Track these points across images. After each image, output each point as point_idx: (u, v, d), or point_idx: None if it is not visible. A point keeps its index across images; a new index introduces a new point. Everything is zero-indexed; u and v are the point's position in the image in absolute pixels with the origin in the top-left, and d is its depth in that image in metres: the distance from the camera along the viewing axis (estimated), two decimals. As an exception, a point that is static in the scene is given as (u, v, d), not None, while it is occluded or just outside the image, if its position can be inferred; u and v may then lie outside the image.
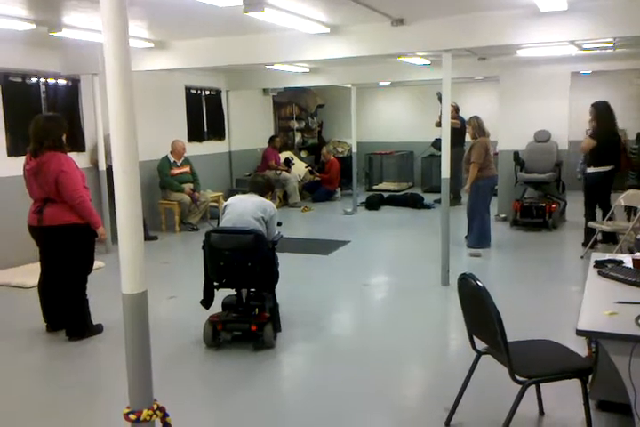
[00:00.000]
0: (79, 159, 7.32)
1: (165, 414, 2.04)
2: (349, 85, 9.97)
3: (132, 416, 1.94)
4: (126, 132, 1.83)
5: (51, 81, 6.98)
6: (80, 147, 7.37)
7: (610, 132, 6.66)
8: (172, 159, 8.47)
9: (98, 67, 6.64)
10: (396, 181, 12.60)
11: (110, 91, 1.83)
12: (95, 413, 3.37)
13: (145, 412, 1.94)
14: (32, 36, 5.90)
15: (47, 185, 4.15)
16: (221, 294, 4.38)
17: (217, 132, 10.34)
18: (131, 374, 1.94)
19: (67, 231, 4.21)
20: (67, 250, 4.28)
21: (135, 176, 1.81)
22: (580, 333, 2.34)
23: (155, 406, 1.98)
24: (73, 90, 7.27)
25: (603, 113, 6.64)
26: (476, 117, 7.13)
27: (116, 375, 3.48)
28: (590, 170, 6.72)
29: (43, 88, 6.89)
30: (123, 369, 1.97)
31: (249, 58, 6.34)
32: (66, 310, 4.41)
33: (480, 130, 7.02)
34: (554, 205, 7.98)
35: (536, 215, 7.99)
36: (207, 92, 10.06)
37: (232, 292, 4.35)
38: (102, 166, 7.09)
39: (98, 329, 4.50)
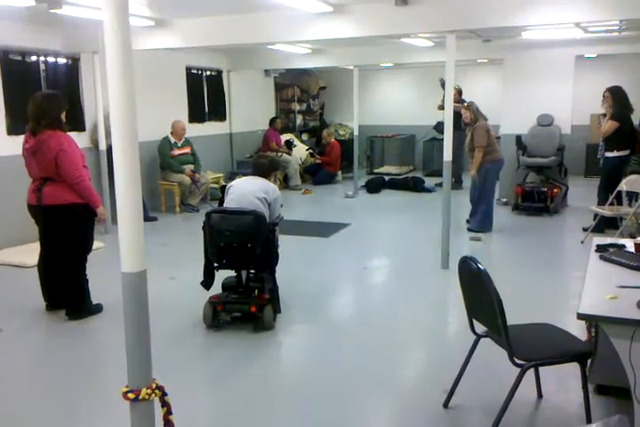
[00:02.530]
0: (79, 139, 7.25)
1: (164, 393, 2.04)
2: (352, 67, 9.87)
3: (131, 395, 1.94)
4: (126, 111, 1.79)
5: (50, 59, 6.90)
6: (80, 126, 7.32)
7: (628, 116, 6.63)
8: (172, 140, 8.42)
9: (98, 45, 6.56)
10: (398, 164, 12.55)
11: (110, 69, 1.80)
12: (94, 392, 3.38)
13: (144, 391, 1.94)
14: (32, 13, 5.81)
15: (46, 164, 4.12)
16: (221, 276, 4.38)
17: (218, 113, 10.27)
18: (130, 353, 1.93)
19: (66, 211, 4.19)
20: (66, 229, 4.27)
21: (135, 152, 1.79)
22: (580, 316, 2.33)
23: (154, 385, 1.97)
24: (73, 68, 7.20)
25: (620, 96, 6.59)
26: (472, 103, 7.11)
27: (115, 355, 3.48)
28: (611, 154, 6.68)
29: (42, 66, 6.81)
30: (122, 348, 1.97)
31: (251, 37, 6.25)
32: (65, 290, 4.41)
33: (478, 114, 6.97)
34: (556, 190, 7.95)
35: (538, 200, 7.97)
36: (208, 73, 9.97)
37: (232, 273, 4.35)
38: (102, 146, 7.05)
39: (97, 309, 4.50)
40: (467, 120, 7.04)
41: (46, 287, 4.51)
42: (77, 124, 7.26)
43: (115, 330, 3.61)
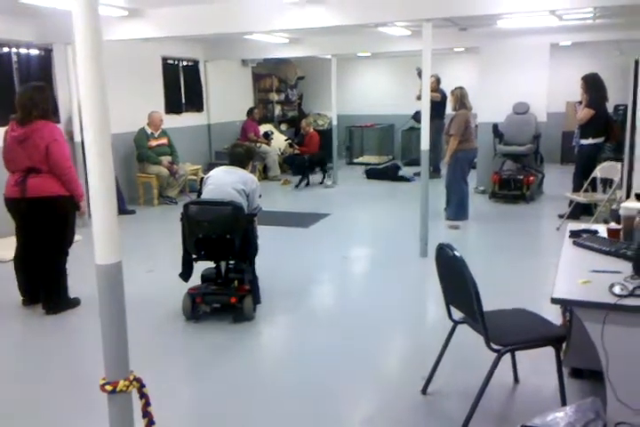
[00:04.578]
0: (53, 131, 7.20)
1: (142, 385, 2.03)
2: (329, 56, 9.84)
3: (108, 387, 1.93)
4: (97, 102, 1.78)
5: (23, 51, 6.78)
6: (54, 118, 7.20)
7: (603, 103, 6.70)
8: (149, 131, 8.34)
9: (71, 36, 6.46)
10: (377, 154, 12.57)
11: (80, 60, 1.78)
12: (73, 385, 3.36)
13: (121, 382, 1.93)
14: (3, 3, 5.70)
15: (36, 153, 4.09)
16: (200, 267, 4.37)
17: (195, 103, 10.18)
18: (106, 345, 1.92)
19: (51, 203, 4.17)
20: (50, 222, 4.22)
21: (107, 142, 1.78)
22: (554, 301, 2.37)
23: (131, 377, 1.96)
24: (46, 59, 7.09)
25: (594, 84, 6.65)
26: (460, 88, 7.09)
27: (93, 347, 3.47)
28: (586, 141, 6.75)
29: (15, 58, 6.70)
30: (100, 341, 1.96)
31: (226, 27, 6.19)
32: (44, 284, 4.37)
33: (461, 103, 6.99)
34: (532, 178, 8.04)
35: (514, 188, 8.05)
36: (184, 63, 9.87)
37: (211, 264, 4.34)
38: (77, 138, 6.97)
39: (75, 302, 4.47)
40: (452, 105, 7.07)
41: (24, 281, 4.46)
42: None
43: (92, 323, 3.60)
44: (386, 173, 10.37)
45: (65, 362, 3.66)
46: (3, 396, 3.25)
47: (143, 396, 2.06)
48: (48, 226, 4.23)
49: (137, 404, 2.05)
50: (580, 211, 6.66)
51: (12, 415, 3.05)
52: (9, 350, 3.89)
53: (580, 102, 6.86)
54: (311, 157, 10.02)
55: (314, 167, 10.11)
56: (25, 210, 4.22)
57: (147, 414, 2.10)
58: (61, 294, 4.41)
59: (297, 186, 9.69)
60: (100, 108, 1.78)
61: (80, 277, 4.55)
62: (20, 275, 4.47)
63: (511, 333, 2.80)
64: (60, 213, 4.25)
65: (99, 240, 1.84)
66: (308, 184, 9.90)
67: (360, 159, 12.43)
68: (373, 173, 10.54)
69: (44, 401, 3.19)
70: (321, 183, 9.97)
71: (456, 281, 2.78)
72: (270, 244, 5.27)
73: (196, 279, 4.32)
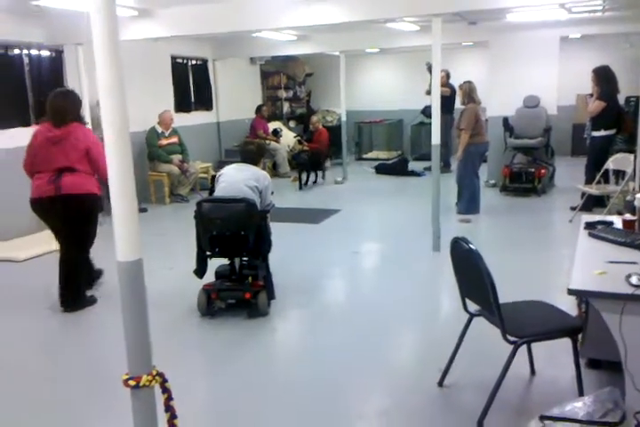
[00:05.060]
0: (65, 131, 7.25)
1: (164, 380, 2.05)
2: (338, 53, 9.84)
3: (132, 382, 1.95)
4: (117, 100, 1.79)
5: (34, 52, 6.83)
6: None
7: (615, 96, 6.68)
8: (159, 130, 8.39)
9: (82, 36, 6.50)
10: (386, 149, 12.56)
11: (99, 60, 1.79)
12: (96, 380, 3.40)
13: (144, 377, 1.95)
14: (13, 5, 5.75)
15: (74, 153, 4.23)
16: (214, 264, 4.40)
17: (204, 102, 10.22)
18: (129, 341, 1.94)
19: (87, 201, 4.30)
20: (85, 219, 4.35)
21: (126, 140, 1.80)
22: (571, 292, 2.37)
23: (154, 372, 1.99)
24: (57, 60, 7.13)
25: (606, 76, 6.63)
26: (469, 82, 7.09)
27: (112, 344, 3.52)
28: (598, 133, 6.73)
29: (26, 59, 6.74)
30: (119, 337, 1.98)
31: (235, 25, 6.22)
32: (65, 281, 4.42)
33: (469, 97, 6.98)
34: (543, 171, 8.01)
35: (525, 181, 8.03)
36: (193, 62, 9.91)
37: (225, 261, 4.37)
38: (90, 138, 6.99)
39: (92, 300, 4.52)
40: (461, 99, 7.07)
41: (67, 287, 4.43)
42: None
43: (110, 320, 3.67)
44: (395, 169, 10.36)
45: (86, 359, 3.71)
46: (27, 394, 3.30)
47: (165, 390, 2.08)
48: (83, 223, 4.36)
49: (158, 397, 2.08)
50: (593, 203, 6.63)
51: (36, 413, 3.09)
52: (30, 348, 3.93)
53: (592, 95, 6.83)
54: (312, 156, 9.84)
55: (315, 166, 9.84)
56: (59, 207, 4.28)
57: (169, 408, 2.12)
58: (81, 291, 4.47)
59: (300, 188, 9.38)
60: (120, 108, 1.80)
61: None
62: (62, 278, 4.44)
63: (527, 324, 2.81)
64: (91, 211, 4.38)
65: (120, 238, 1.86)
66: (315, 182, 9.78)
67: (369, 155, 12.42)
68: (383, 169, 10.54)
69: (67, 397, 3.24)
70: (314, 182, 9.71)
71: (471, 274, 2.79)
72: (282, 240, 5.28)
73: (210, 276, 4.36)
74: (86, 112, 6.96)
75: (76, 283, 4.43)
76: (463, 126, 6.85)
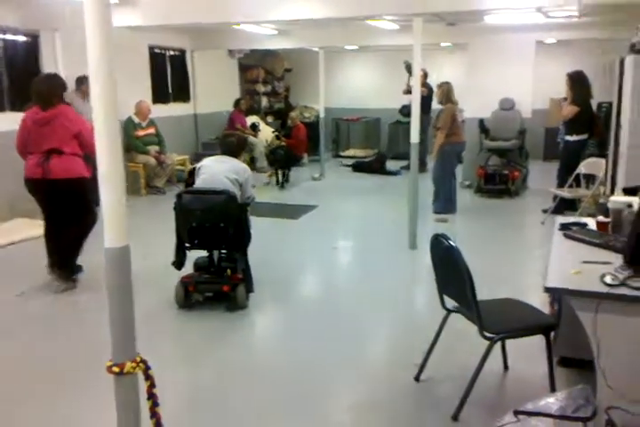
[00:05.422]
0: (40, 118, 7.13)
1: (147, 367, 2.06)
2: (317, 49, 9.84)
3: (116, 369, 1.95)
4: (106, 86, 1.80)
5: (9, 37, 6.68)
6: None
7: (588, 100, 6.82)
8: (136, 120, 8.29)
9: (59, 22, 6.41)
10: (363, 147, 12.61)
11: (91, 47, 1.78)
12: (79, 367, 3.39)
13: (128, 364, 1.95)
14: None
15: (65, 134, 4.33)
16: (193, 256, 4.39)
17: (182, 93, 10.14)
18: (114, 327, 1.94)
19: (77, 185, 4.38)
20: (77, 202, 4.43)
21: (115, 127, 1.80)
22: (548, 290, 2.44)
23: (138, 359, 1.99)
24: (32, 46, 6.99)
25: (580, 81, 6.76)
26: (447, 83, 7.18)
27: (94, 329, 3.52)
28: (571, 138, 6.86)
29: (0, 43, 6.60)
30: (102, 323, 1.98)
31: (214, 16, 6.20)
32: (61, 256, 4.61)
33: (447, 97, 7.07)
34: (517, 173, 8.15)
35: (499, 182, 8.16)
36: (171, 52, 9.82)
37: (204, 253, 4.36)
38: (65, 126, 6.89)
39: (79, 269, 4.75)
40: (439, 99, 7.15)
41: (53, 254, 4.64)
42: (38, 103, 7.07)
43: (96, 307, 3.69)
44: (372, 166, 10.42)
45: (70, 344, 3.69)
46: (13, 377, 3.25)
47: (148, 377, 2.09)
48: (70, 205, 4.45)
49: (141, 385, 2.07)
50: (565, 206, 6.77)
51: (21, 397, 3.07)
52: (12, 332, 3.87)
53: (565, 99, 6.97)
54: (288, 152, 9.51)
55: (289, 163, 9.39)
56: (47, 190, 4.41)
57: (152, 395, 2.13)
58: (73, 264, 4.68)
59: (282, 185, 9.06)
60: (109, 94, 1.80)
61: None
62: (50, 248, 4.65)
63: (503, 321, 2.87)
64: (82, 194, 4.44)
65: (108, 224, 1.86)
66: (286, 181, 9.26)
67: (346, 152, 12.46)
68: (360, 167, 10.59)
69: (51, 383, 3.22)
70: (277, 184, 9.13)
71: (450, 270, 2.84)
72: (260, 234, 5.29)
73: (188, 268, 4.34)
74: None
75: (72, 258, 4.65)
76: (440, 125, 6.93)
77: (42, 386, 3.21)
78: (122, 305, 1.95)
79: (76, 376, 3.29)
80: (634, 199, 3.17)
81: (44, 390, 3.17)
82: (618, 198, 3.31)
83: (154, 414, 2.16)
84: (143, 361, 2.02)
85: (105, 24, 1.77)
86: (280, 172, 9.21)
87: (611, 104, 8.87)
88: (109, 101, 1.81)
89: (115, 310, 1.94)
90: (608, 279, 2.40)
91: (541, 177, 8.93)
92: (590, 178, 6.88)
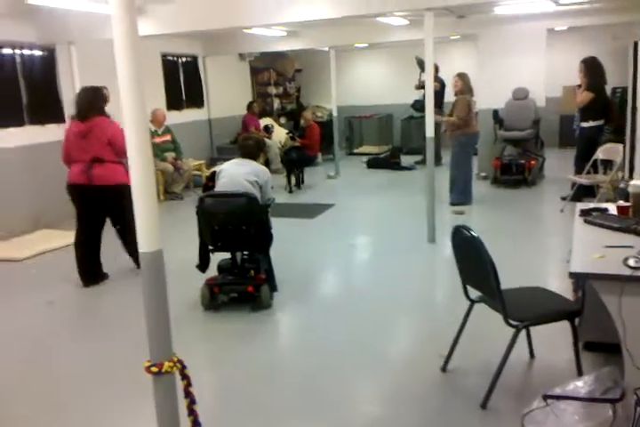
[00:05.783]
0: (59, 131, 7.24)
1: (184, 367, 2.13)
2: (327, 49, 9.89)
3: (154, 369, 2.02)
4: (136, 96, 1.86)
5: (26, 51, 6.82)
6: (59, 118, 7.25)
7: (603, 86, 6.80)
8: (152, 128, 8.40)
9: (73, 35, 6.52)
10: (377, 143, 12.64)
11: (119, 57, 1.84)
12: (114, 367, 3.47)
13: (166, 364, 2.02)
14: (4, 4, 5.76)
15: (99, 145, 4.68)
16: (216, 259, 4.46)
17: (195, 99, 10.25)
18: (150, 329, 2.01)
19: (118, 191, 4.60)
20: (119, 207, 4.63)
21: (146, 137, 1.87)
22: (572, 275, 2.47)
23: (175, 359, 2.06)
24: (49, 60, 7.12)
25: (594, 67, 6.74)
26: (465, 74, 7.23)
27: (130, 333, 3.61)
28: (586, 124, 6.84)
29: (18, 59, 6.73)
30: (135, 327, 2.04)
31: (226, 22, 6.26)
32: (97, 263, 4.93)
33: (468, 87, 7.14)
34: (533, 162, 8.14)
35: (516, 172, 8.15)
36: (184, 59, 9.94)
37: (227, 255, 4.43)
38: (83, 137, 7.00)
39: (106, 275, 5.06)
40: (456, 88, 7.18)
41: (83, 263, 4.88)
42: (56, 115, 7.20)
43: (123, 308, 3.74)
44: (387, 162, 10.46)
45: (107, 346, 3.79)
46: (54, 378, 3.36)
47: (185, 377, 2.15)
48: (112, 209, 4.80)
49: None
50: (583, 193, 6.75)
51: (64, 400, 3.16)
52: (45, 338, 3.98)
53: (579, 86, 6.94)
54: (300, 153, 9.38)
55: (302, 164, 9.23)
56: (90, 195, 4.74)
57: (188, 394, 2.20)
58: (98, 267, 5.00)
59: (290, 190, 8.83)
60: (139, 103, 1.87)
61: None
62: (80, 257, 4.88)
63: (528, 309, 2.90)
64: (123, 200, 4.62)
65: (142, 229, 1.93)
66: (302, 182, 9.15)
67: (360, 149, 12.49)
68: (374, 163, 10.63)
69: (92, 385, 3.31)
70: (289, 187, 8.87)
71: (473, 260, 2.88)
72: (279, 235, 5.35)
73: (212, 271, 4.42)
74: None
75: (97, 260, 4.96)
76: (458, 114, 6.98)
77: (83, 389, 3.30)
78: (157, 307, 2.01)
79: (117, 378, 3.39)
80: (653, 183, 3.18)
81: (85, 392, 3.26)
82: (638, 182, 3.32)
83: (191, 412, 2.23)
84: (180, 361, 2.09)
85: (132, 34, 1.83)
86: (293, 174, 9.02)
87: (625, 89, 8.83)
88: (139, 110, 1.88)
89: (151, 311, 2.01)
90: (631, 262, 2.43)
91: (558, 165, 8.90)
92: (608, 164, 6.86)
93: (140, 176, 1.88)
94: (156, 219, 1.95)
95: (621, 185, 3.63)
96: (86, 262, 4.88)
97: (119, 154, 4.67)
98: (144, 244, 1.95)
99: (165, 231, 6.26)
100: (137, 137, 1.86)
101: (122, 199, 4.56)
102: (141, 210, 1.90)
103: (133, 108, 1.84)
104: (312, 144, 11.08)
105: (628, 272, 2.33)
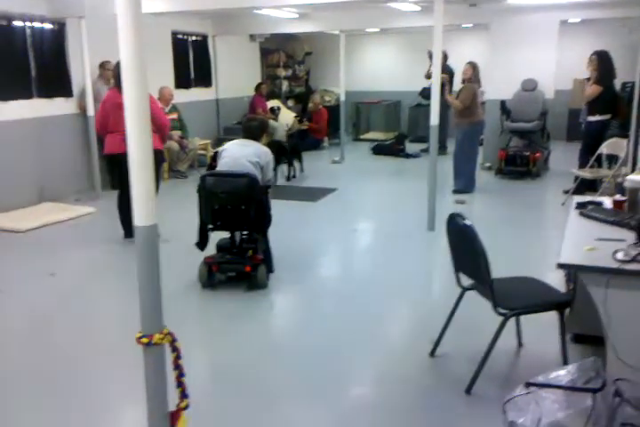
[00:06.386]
0: (67, 105, 7.30)
1: (174, 339, 2.18)
2: (338, 32, 9.84)
3: (145, 340, 2.07)
4: (138, 71, 1.89)
5: (36, 24, 6.81)
6: (67, 92, 7.28)
7: (612, 81, 6.77)
8: (159, 106, 8.40)
9: (84, 10, 6.52)
10: (384, 130, 12.62)
11: (122, 32, 1.87)
12: (113, 339, 3.55)
13: (156, 336, 2.07)
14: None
15: None
16: (215, 238, 4.51)
17: (204, 79, 10.23)
18: (143, 301, 2.06)
19: (154, 156, 4.76)
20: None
21: (146, 112, 1.90)
22: (560, 266, 2.50)
23: (165, 331, 2.11)
24: (59, 34, 7.11)
25: (606, 61, 6.71)
26: (475, 63, 7.28)
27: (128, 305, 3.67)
28: (593, 118, 6.83)
29: (28, 32, 6.73)
30: (124, 302, 2.09)
31: (237, 1, 6.26)
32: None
33: (476, 76, 7.14)
34: (538, 154, 8.13)
35: (520, 164, 8.14)
36: (194, 38, 9.90)
37: (226, 235, 4.48)
38: (90, 112, 7.04)
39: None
40: (465, 76, 7.20)
41: (126, 220, 5.31)
42: (65, 90, 7.23)
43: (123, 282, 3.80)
44: (392, 149, 10.45)
45: (104, 317, 3.86)
46: (53, 347, 3.43)
47: (175, 349, 2.20)
48: None
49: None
50: (586, 187, 6.75)
51: (56, 368, 3.23)
52: (51, 308, 4.06)
53: (588, 79, 6.91)
54: (289, 144, 8.87)
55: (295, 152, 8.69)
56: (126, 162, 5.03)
57: (178, 366, 2.25)
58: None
59: (288, 179, 8.38)
60: (140, 79, 1.90)
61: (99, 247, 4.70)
62: (123, 215, 5.39)
63: (517, 298, 2.94)
64: (155, 163, 4.90)
65: (138, 204, 1.97)
66: (294, 176, 8.52)
67: (366, 135, 12.48)
68: (380, 150, 10.63)
69: (86, 354, 3.38)
70: (294, 177, 8.45)
71: (466, 248, 2.91)
72: (280, 217, 5.39)
73: (211, 249, 4.47)
74: (87, 86, 7.02)
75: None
76: (461, 100, 7.03)
77: (77, 357, 3.38)
78: (150, 280, 2.06)
79: (110, 347, 3.47)
80: (650, 178, 3.19)
81: (79, 361, 3.34)
82: (635, 177, 3.33)
83: (180, 384, 2.28)
84: (170, 333, 2.14)
85: (136, 10, 1.85)
86: (283, 163, 8.21)
87: (634, 84, 8.77)
88: (140, 86, 1.90)
89: (144, 284, 2.06)
90: (619, 255, 2.46)
91: (564, 158, 8.89)
92: (612, 158, 6.85)
93: (138, 151, 1.92)
94: (153, 194, 1.99)
95: (619, 180, 3.64)
96: (130, 220, 5.03)
97: (154, 123, 4.76)
98: (140, 218, 1.99)
99: (168, 209, 6.32)
100: (137, 112, 1.89)
101: (155, 163, 4.90)
102: (138, 184, 1.94)
103: (134, 83, 1.87)
104: (319, 128, 11.09)
105: (615, 265, 2.36)
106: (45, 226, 5.93)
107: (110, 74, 6.41)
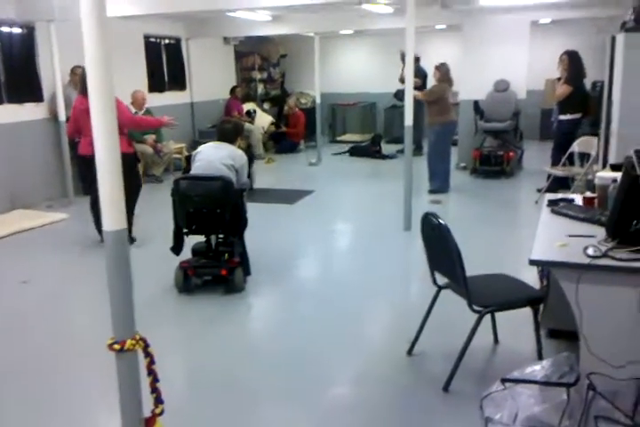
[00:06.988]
0: (37, 110, 7.20)
1: (147, 345, 2.15)
2: (312, 34, 9.85)
3: (116, 346, 2.04)
4: (104, 75, 1.87)
5: (5, 29, 6.71)
6: (38, 98, 7.17)
7: (582, 80, 6.86)
8: (132, 110, 8.32)
9: (53, 13, 6.44)
10: (360, 132, 12.65)
11: (87, 34, 1.84)
12: (78, 344, 3.49)
13: (128, 342, 2.04)
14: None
15: None
16: (190, 242, 4.48)
17: (178, 82, 10.16)
18: (114, 307, 2.03)
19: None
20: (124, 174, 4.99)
21: (112, 113, 1.87)
22: (532, 262, 2.53)
23: (137, 337, 2.08)
24: (28, 38, 7.01)
25: (576, 61, 6.80)
26: (445, 64, 7.38)
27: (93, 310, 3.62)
28: (564, 117, 6.92)
29: (-3, 36, 6.64)
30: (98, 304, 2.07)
31: (210, 4, 6.23)
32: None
33: (446, 77, 7.20)
34: (511, 154, 8.22)
35: (494, 163, 8.23)
36: (167, 41, 9.83)
37: (201, 239, 4.45)
38: (62, 117, 6.95)
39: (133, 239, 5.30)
40: (435, 78, 7.34)
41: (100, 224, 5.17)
42: (35, 95, 7.12)
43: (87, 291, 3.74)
44: (367, 150, 10.49)
45: (79, 323, 3.82)
46: (29, 355, 3.37)
47: (148, 355, 2.18)
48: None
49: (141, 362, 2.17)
50: (558, 185, 6.83)
51: (28, 375, 3.17)
52: (24, 314, 3.99)
53: (559, 79, 7.01)
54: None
55: None
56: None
57: (151, 371, 2.22)
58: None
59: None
60: (106, 83, 1.88)
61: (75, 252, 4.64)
62: (95, 218, 5.33)
63: (492, 295, 2.97)
64: (125, 166, 4.90)
65: (106, 208, 1.94)
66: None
67: (343, 137, 12.50)
68: (356, 151, 10.65)
69: (60, 360, 3.33)
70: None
71: (440, 247, 2.93)
72: (257, 219, 5.37)
73: (186, 253, 4.43)
74: (58, 90, 6.93)
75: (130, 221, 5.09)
76: (426, 94, 7.27)
77: (52, 363, 3.33)
78: (121, 285, 2.03)
79: (84, 353, 3.42)
80: (619, 175, 3.24)
81: (54, 368, 3.29)
82: (604, 174, 3.38)
83: (154, 390, 2.25)
84: (142, 339, 2.11)
85: (100, 13, 1.83)
86: None
87: (603, 83, 8.91)
88: (106, 90, 1.89)
89: (115, 289, 2.03)
90: (590, 251, 2.49)
91: (537, 157, 9.00)
92: (584, 156, 6.94)
93: (105, 154, 1.89)
94: (122, 199, 1.96)
95: (589, 177, 3.69)
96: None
97: (120, 127, 4.76)
98: (108, 222, 1.96)
99: (142, 214, 6.29)
100: (104, 115, 1.87)
101: (125, 168, 4.97)
102: (106, 188, 1.91)
103: (100, 88, 1.85)
104: (297, 132, 11.09)
105: (586, 261, 2.39)
106: (17, 233, 5.84)
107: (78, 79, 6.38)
